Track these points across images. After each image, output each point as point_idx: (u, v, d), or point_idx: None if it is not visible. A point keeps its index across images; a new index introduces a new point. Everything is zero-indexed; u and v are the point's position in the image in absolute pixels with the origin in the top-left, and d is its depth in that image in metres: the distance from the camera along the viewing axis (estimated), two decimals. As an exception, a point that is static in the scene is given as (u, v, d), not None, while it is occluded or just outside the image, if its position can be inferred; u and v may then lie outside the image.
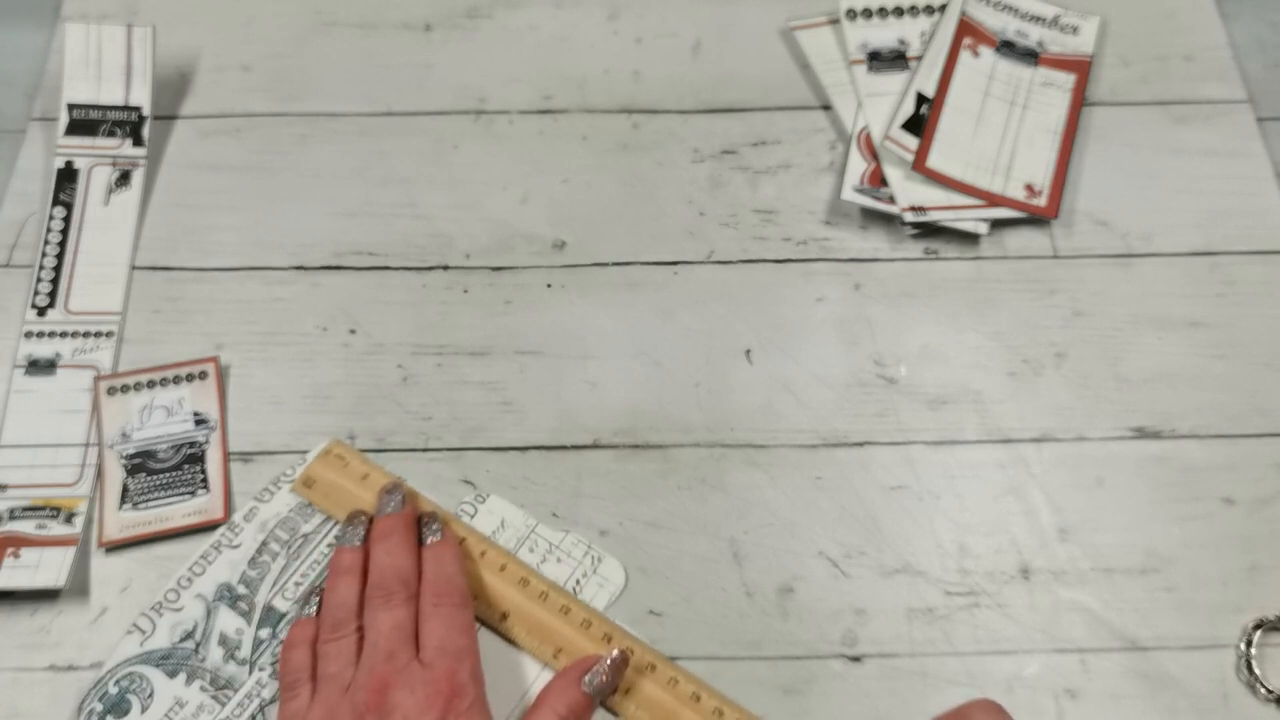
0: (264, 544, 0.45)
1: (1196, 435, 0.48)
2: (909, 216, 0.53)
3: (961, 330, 0.51)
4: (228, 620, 0.44)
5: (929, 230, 0.54)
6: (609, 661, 0.41)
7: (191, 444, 0.48)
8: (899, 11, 0.59)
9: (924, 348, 0.51)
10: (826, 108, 0.57)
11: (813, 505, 0.47)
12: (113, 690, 0.42)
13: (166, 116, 0.56)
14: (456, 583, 0.42)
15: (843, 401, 0.49)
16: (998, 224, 0.54)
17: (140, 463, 0.47)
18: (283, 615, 0.44)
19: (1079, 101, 0.57)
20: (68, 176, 0.54)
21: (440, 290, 0.52)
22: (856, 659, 0.44)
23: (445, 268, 0.53)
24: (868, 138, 0.55)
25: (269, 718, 0.42)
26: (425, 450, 0.48)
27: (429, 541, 0.43)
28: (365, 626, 0.41)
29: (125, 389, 0.49)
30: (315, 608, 0.43)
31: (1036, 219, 0.54)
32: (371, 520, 0.44)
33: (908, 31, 0.58)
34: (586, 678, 0.40)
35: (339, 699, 0.39)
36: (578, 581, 0.45)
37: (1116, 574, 0.45)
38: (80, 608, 0.45)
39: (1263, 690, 0.43)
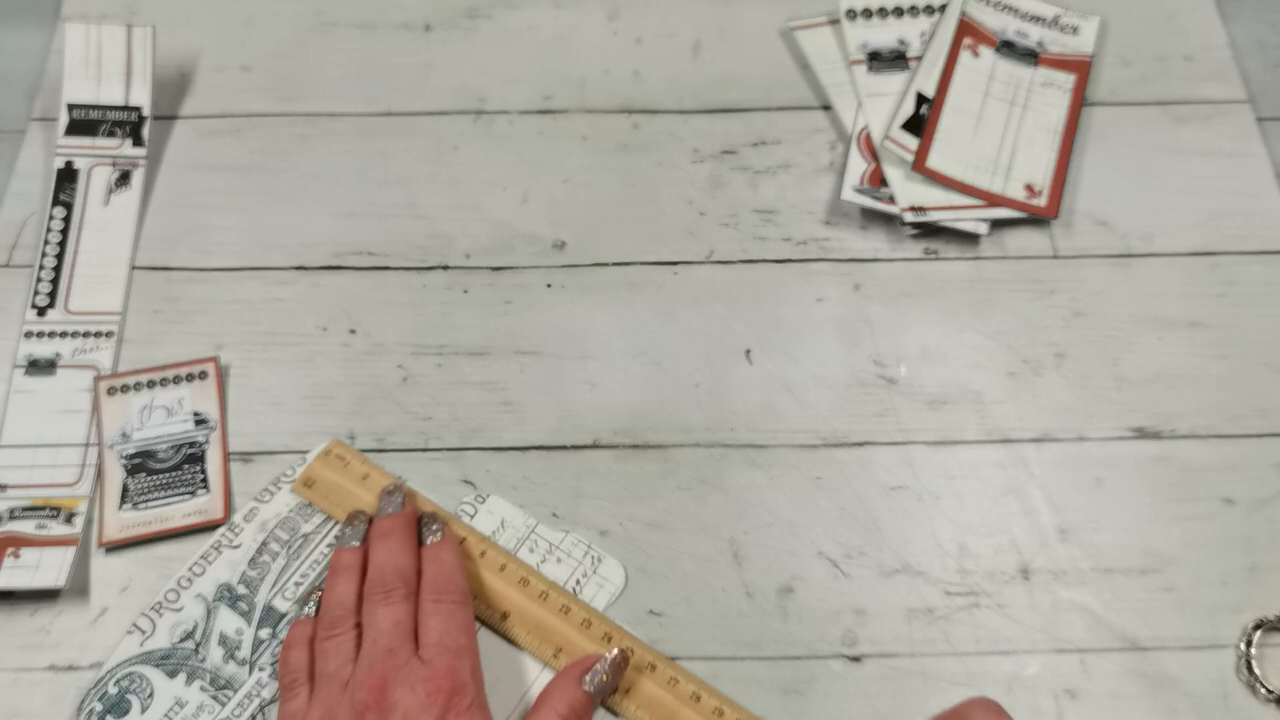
0: (264, 544, 0.45)
1: (1196, 435, 0.48)
2: (909, 217, 0.53)
3: (961, 330, 0.51)
4: (228, 620, 0.44)
5: (929, 230, 0.54)
6: (609, 661, 0.41)
7: (191, 444, 0.48)
8: (899, 11, 0.59)
9: (924, 348, 0.51)
10: (826, 108, 0.57)
11: (813, 505, 0.47)
12: (112, 690, 0.42)
13: (166, 117, 0.56)
14: (457, 581, 0.42)
15: (842, 402, 0.49)
16: (998, 224, 0.54)
17: (140, 463, 0.47)
18: (283, 615, 0.44)
19: (1079, 101, 0.57)
20: (68, 176, 0.54)
21: (440, 290, 0.52)
22: (856, 659, 0.44)
23: (445, 268, 0.53)
24: (868, 138, 0.55)
25: (269, 718, 0.42)
26: (425, 450, 0.48)
27: (429, 541, 0.43)
28: (364, 624, 0.41)
29: (125, 389, 0.49)
30: (314, 607, 0.43)
31: (1036, 219, 0.54)
32: (371, 520, 0.44)
33: (908, 31, 0.58)
34: (587, 677, 0.40)
35: (338, 697, 0.39)
36: (578, 581, 0.45)
37: (1116, 574, 0.45)
38: (80, 608, 0.45)
39: (1263, 690, 0.43)
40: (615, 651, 0.41)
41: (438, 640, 0.40)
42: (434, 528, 0.44)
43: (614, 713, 0.42)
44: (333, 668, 0.40)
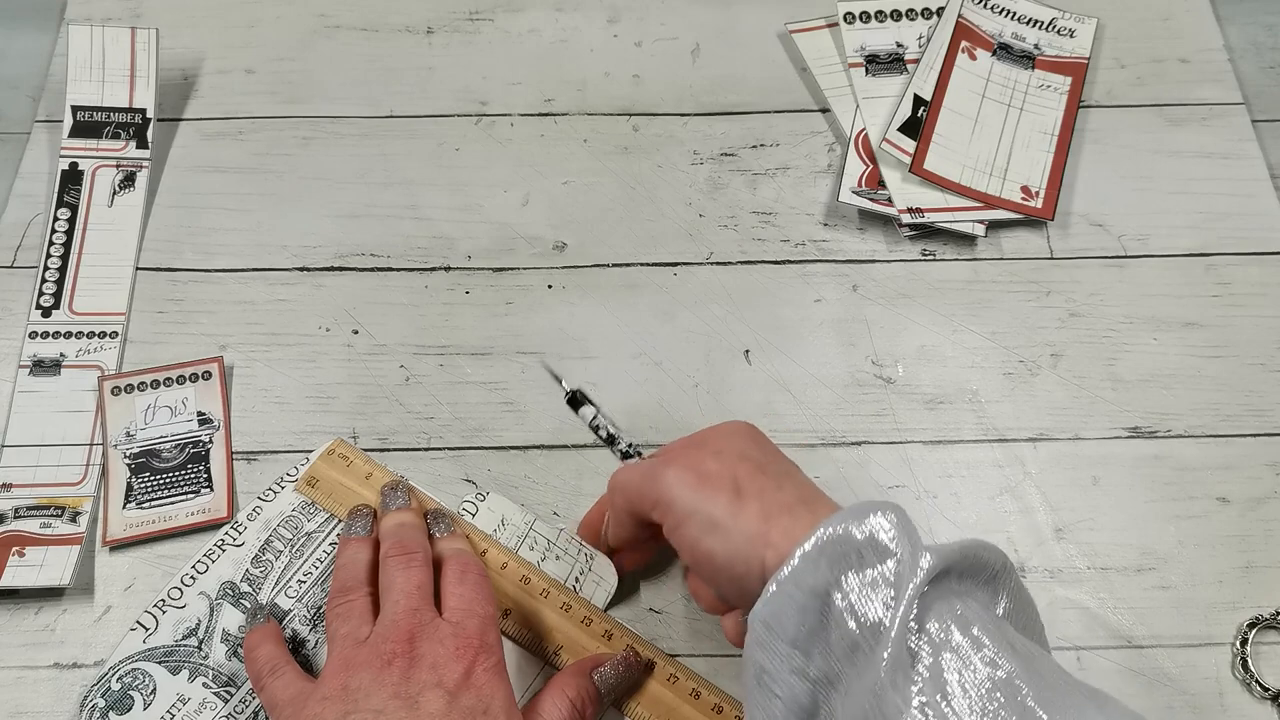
0: (267, 542, 0.46)
1: (1191, 435, 0.49)
2: (906, 218, 0.53)
3: (958, 331, 0.51)
4: (231, 617, 0.44)
5: (926, 232, 0.54)
6: (619, 660, 0.41)
7: (195, 443, 0.48)
8: (896, 15, 0.59)
9: (921, 348, 0.51)
10: (825, 110, 0.58)
11: (811, 504, 0.47)
12: (115, 686, 0.43)
13: (170, 119, 0.57)
14: (479, 563, 0.42)
15: (840, 401, 0.50)
16: (994, 225, 0.54)
17: (144, 462, 0.47)
18: (287, 613, 0.44)
19: (1075, 104, 0.57)
20: (72, 178, 0.54)
21: (442, 291, 0.53)
22: (854, 656, 0.44)
23: (447, 269, 0.53)
24: (865, 140, 0.56)
25: (272, 714, 0.42)
26: (427, 449, 0.49)
27: (439, 535, 0.44)
28: (382, 587, 0.40)
29: (129, 389, 0.49)
30: (264, 618, 0.43)
31: (1033, 220, 0.54)
32: (375, 515, 0.45)
33: (905, 35, 0.59)
34: (598, 671, 0.40)
35: (354, 649, 0.38)
36: (576, 579, 0.45)
37: (1112, 573, 0.46)
38: (84, 606, 0.45)
39: (1258, 688, 0.43)
40: (625, 651, 0.41)
41: (466, 605, 0.39)
42: (443, 524, 0.44)
43: (615, 709, 0.42)
44: (348, 629, 0.39)
